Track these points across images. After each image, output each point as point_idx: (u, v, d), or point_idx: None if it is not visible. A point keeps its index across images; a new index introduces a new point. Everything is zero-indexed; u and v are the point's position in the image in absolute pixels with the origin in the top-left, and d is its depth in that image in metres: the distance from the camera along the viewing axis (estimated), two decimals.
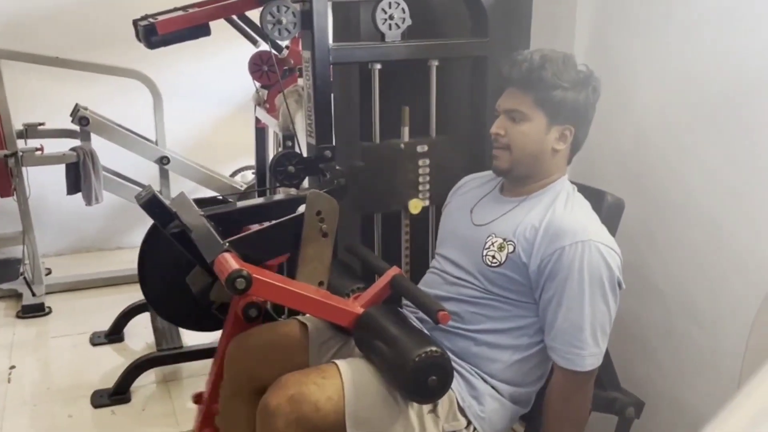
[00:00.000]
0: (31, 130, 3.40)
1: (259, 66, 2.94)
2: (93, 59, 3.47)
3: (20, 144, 3.29)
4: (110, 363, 2.94)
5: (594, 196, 1.65)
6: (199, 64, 3.88)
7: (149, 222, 4.36)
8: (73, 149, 3.27)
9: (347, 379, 1.47)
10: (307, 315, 1.72)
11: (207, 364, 2.73)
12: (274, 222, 1.62)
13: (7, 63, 3.29)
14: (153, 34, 2.53)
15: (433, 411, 1.52)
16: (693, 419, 1.81)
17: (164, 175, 3.59)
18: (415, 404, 1.50)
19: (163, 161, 3.50)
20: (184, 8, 2.63)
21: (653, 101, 1.86)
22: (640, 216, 1.84)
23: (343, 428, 1.44)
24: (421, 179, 2.05)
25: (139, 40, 2.73)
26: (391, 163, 2.02)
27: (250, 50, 3.15)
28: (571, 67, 1.57)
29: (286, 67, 2.92)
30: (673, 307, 1.85)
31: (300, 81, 2.82)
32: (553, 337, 1.51)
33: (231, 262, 1.45)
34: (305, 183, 2.08)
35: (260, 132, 3.14)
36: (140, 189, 3.50)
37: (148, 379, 2.76)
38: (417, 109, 2.08)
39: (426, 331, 1.57)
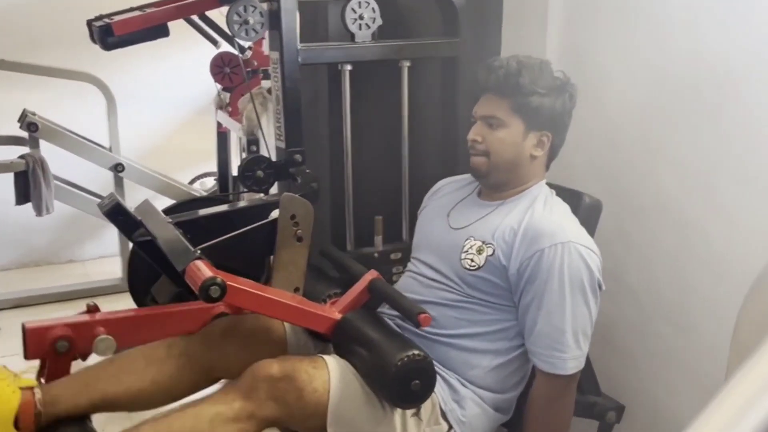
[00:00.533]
0: None
1: (221, 68, 2.91)
2: (41, 62, 3.38)
3: None
4: None
5: (571, 198, 1.67)
6: (155, 66, 3.81)
7: (102, 233, 4.29)
8: (21, 157, 3.17)
9: (334, 376, 1.45)
10: None
11: None
12: (246, 228, 1.60)
13: None
14: (109, 35, 2.49)
15: (417, 414, 1.51)
16: (673, 421, 1.84)
17: (119, 183, 3.50)
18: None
19: (117, 168, 3.41)
20: (141, 8, 2.60)
21: (625, 100, 1.89)
22: (614, 217, 1.87)
23: (320, 422, 1.43)
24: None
25: (94, 41, 2.69)
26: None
27: (209, 52, 3.12)
28: (547, 74, 1.60)
29: (249, 69, 2.90)
30: (648, 308, 1.88)
31: (264, 83, 2.80)
32: (533, 341, 1.52)
33: (204, 269, 1.42)
34: (274, 188, 2.06)
35: (222, 136, 3.10)
36: (93, 198, 3.47)
37: None
38: (388, 113, 2.08)
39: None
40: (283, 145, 1.98)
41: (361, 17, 1.98)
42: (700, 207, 1.71)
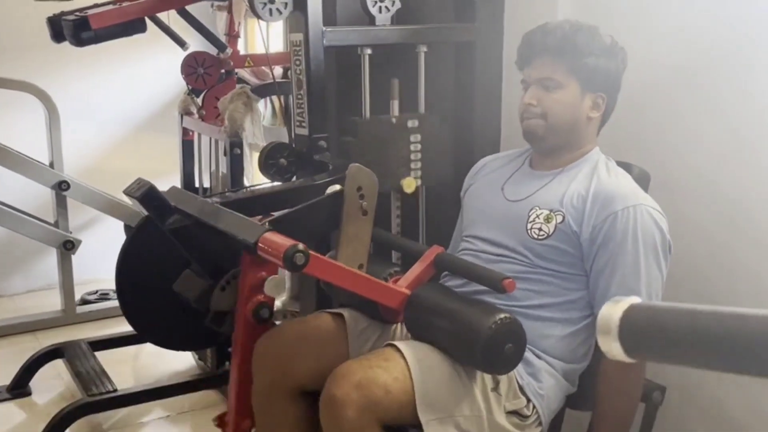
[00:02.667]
0: None
1: (194, 68, 2.89)
2: None
3: None
4: (18, 419, 2.74)
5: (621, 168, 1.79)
6: (101, 78, 3.74)
7: (29, 267, 4.14)
8: None
9: (411, 359, 1.49)
10: (338, 307, 1.74)
11: (146, 409, 2.66)
12: (312, 201, 1.62)
13: None
14: (84, 29, 2.46)
15: (496, 389, 1.56)
16: (711, 401, 1.96)
17: (61, 203, 3.38)
18: (479, 382, 1.54)
19: (61, 187, 3.30)
20: (114, 2, 2.58)
21: (641, 64, 2.02)
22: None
23: (412, 410, 1.46)
24: (413, 156, 2.11)
25: (57, 39, 2.64)
26: (383, 139, 2.06)
27: (162, 62, 3.11)
28: (598, 36, 1.70)
29: (224, 70, 2.91)
30: (686, 287, 1.99)
31: (238, 86, 2.82)
32: None
33: (281, 238, 1.43)
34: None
35: (188, 145, 3.07)
36: (33, 221, 3.33)
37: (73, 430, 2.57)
38: (405, 90, 2.15)
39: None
40: (305, 131, 2.02)
41: (381, 0, 2.07)
42: (737, 176, 1.84)
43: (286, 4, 1.95)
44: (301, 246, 1.41)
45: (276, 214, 1.70)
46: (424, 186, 2.14)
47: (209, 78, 2.90)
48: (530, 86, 1.72)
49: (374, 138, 2.02)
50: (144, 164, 3.76)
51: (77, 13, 2.50)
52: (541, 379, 1.62)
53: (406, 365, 1.48)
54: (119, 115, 3.91)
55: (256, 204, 1.73)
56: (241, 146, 2.65)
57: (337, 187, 1.64)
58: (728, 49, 1.82)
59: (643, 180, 1.80)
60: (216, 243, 1.78)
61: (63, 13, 2.62)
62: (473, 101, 2.19)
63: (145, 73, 3.73)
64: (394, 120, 2.06)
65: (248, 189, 1.91)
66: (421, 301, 1.57)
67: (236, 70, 2.95)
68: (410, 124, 2.08)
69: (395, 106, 2.08)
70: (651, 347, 0.71)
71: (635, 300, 0.73)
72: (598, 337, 0.74)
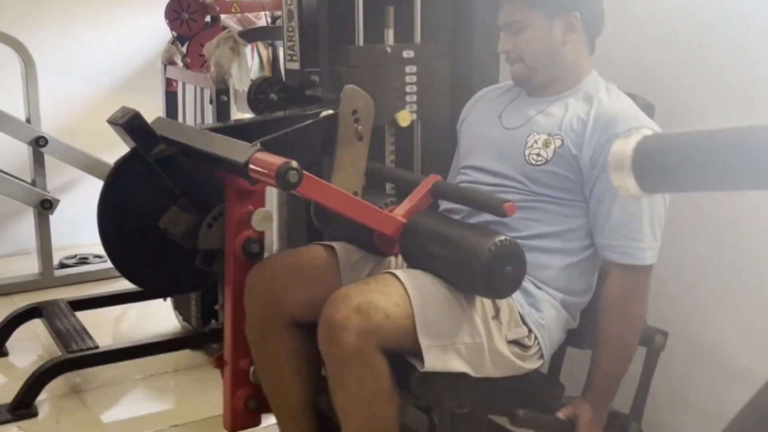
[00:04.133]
0: None
1: (178, 13, 2.88)
2: None
3: None
4: None
5: None
6: (80, 31, 3.72)
7: (8, 228, 4.14)
8: None
9: (410, 286, 1.49)
10: (328, 240, 1.74)
11: (125, 368, 2.66)
12: (305, 123, 1.62)
13: None
14: None
15: (497, 317, 1.57)
16: (712, 345, 1.98)
17: (39, 160, 3.37)
18: (480, 310, 1.55)
19: (39, 143, 3.29)
20: None
21: (652, 28, 2.03)
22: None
23: (412, 337, 1.46)
24: (408, 89, 2.07)
25: None
26: (377, 69, 2.02)
27: (144, 15, 3.10)
28: None
29: (210, 16, 2.90)
30: (688, 237, 2.00)
31: (224, 32, 2.81)
32: (608, 235, 1.62)
33: (273, 157, 1.43)
34: None
35: (171, 96, 3.06)
36: (9, 178, 3.32)
37: (52, 392, 2.57)
38: (400, 19, 2.13)
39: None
40: (296, 66, 2.01)
41: None
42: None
43: None
44: (294, 163, 1.41)
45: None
46: (419, 120, 2.11)
47: (194, 24, 2.89)
48: (501, 32, 1.73)
49: (368, 68, 1.99)
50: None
51: None
52: (542, 309, 1.63)
53: (405, 292, 1.49)
54: (100, 71, 3.90)
55: (244, 132, 1.72)
56: (227, 93, 2.65)
57: (331, 111, 1.64)
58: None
59: (647, 110, 1.81)
60: (203, 175, 1.79)
61: None
62: (471, 32, 2.16)
63: (128, 27, 3.72)
64: (388, 49, 2.03)
65: (236, 120, 1.89)
66: (418, 228, 1.58)
67: (221, 17, 2.93)
68: (405, 54, 2.05)
69: (390, 36, 2.05)
70: (664, 176, 0.71)
71: (646, 132, 0.73)
72: (611, 174, 0.74)
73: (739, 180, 0.67)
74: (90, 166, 3.41)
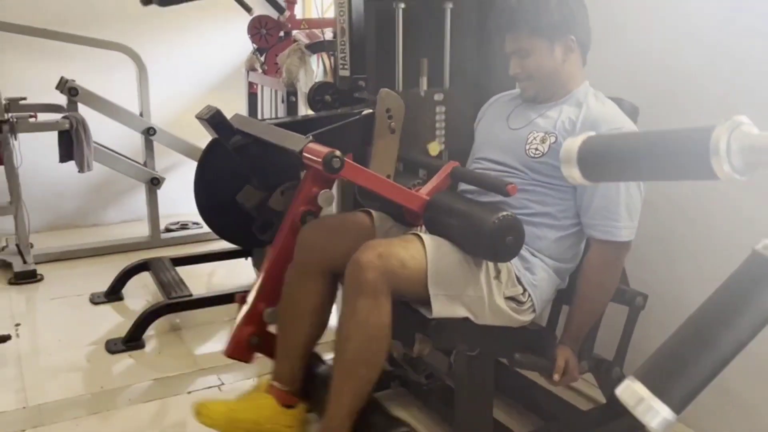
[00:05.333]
0: (13, 105, 3.26)
1: (258, 29, 2.98)
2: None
3: None
4: (114, 318, 2.88)
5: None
6: (180, 42, 3.85)
7: (123, 200, 4.31)
8: (65, 118, 3.17)
9: (428, 244, 1.57)
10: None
11: (215, 312, 2.78)
12: (348, 120, 1.69)
13: None
14: None
15: (497, 278, 1.63)
16: (690, 308, 1.99)
17: (149, 146, 3.53)
18: (484, 271, 1.61)
19: (149, 132, 3.44)
20: None
21: (646, 37, 2.03)
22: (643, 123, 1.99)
23: (423, 286, 1.53)
24: (437, 125, 2.12)
25: (145, 2, 2.73)
26: (413, 110, 2.06)
27: (233, 28, 3.20)
28: None
29: (282, 32, 2.98)
30: (668, 219, 2.01)
31: (294, 44, 2.89)
32: (591, 215, 1.66)
33: (322, 147, 1.51)
34: None
35: (252, 97, 3.17)
36: (127, 160, 3.48)
37: (157, 329, 2.71)
38: (432, 59, 2.17)
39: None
40: (347, 73, 2.08)
41: None
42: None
43: None
44: (338, 152, 1.49)
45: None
46: (447, 149, 2.14)
47: (270, 38, 2.97)
48: (511, 57, 1.76)
49: (406, 109, 1.99)
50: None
51: None
52: (535, 273, 1.69)
53: (423, 249, 1.56)
54: (198, 75, 4.03)
55: (304, 126, 1.80)
56: (296, 94, 2.73)
57: (370, 110, 1.70)
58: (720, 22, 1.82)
59: (632, 113, 1.82)
60: (270, 160, 1.87)
61: None
62: (490, 77, 2.17)
63: (217, 37, 3.83)
64: (422, 93, 2.08)
65: (298, 117, 1.96)
66: (438, 204, 1.64)
67: (293, 32, 3.01)
68: (436, 97, 2.09)
69: (424, 82, 2.10)
70: (602, 168, 0.76)
71: (590, 133, 0.78)
72: (562, 166, 0.79)
73: (658, 172, 0.72)
74: (189, 151, 3.55)
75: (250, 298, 1.84)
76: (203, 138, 3.49)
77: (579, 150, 0.75)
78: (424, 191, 1.69)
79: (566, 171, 0.77)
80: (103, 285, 3.06)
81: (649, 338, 2.10)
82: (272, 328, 1.82)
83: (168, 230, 3.81)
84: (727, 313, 0.62)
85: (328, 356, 1.79)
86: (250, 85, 3.14)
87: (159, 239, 3.64)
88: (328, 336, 1.79)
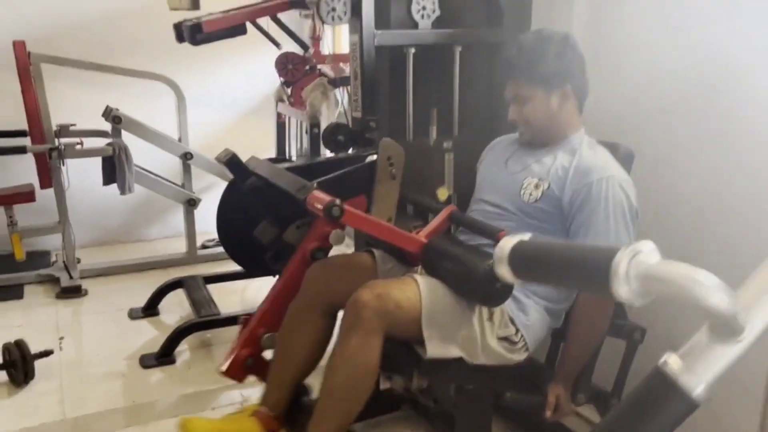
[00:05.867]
0: (63, 130, 3.43)
1: (284, 64, 3.07)
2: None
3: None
4: (150, 333, 2.97)
5: (608, 148, 1.80)
6: (215, 72, 3.95)
7: (165, 217, 4.43)
8: (108, 144, 3.33)
9: (423, 287, 1.59)
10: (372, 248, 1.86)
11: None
12: (352, 167, 1.76)
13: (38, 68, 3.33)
14: (198, 32, 2.66)
15: (490, 319, 1.65)
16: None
17: (187, 169, 3.65)
18: (477, 312, 1.62)
19: (186, 156, 3.57)
20: (224, 12, 2.77)
21: (646, 77, 2.05)
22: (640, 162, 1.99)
23: (417, 327, 1.56)
24: (446, 170, 2.16)
25: (180, 40, 2.86)
26: (423, 157, 2.13)
27: (265, 57, 3.30)
28: (545, 43, 1.70)
29: (308, 66, 3.07)
30: (665, 246, 2.02)
31: (318, 79, 2.98)
32: None
33: (324, 195, 1.58)
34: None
35: (281, 126, 3.26)
36: (166, 182, 3.62)
37: (187, 345, 2.79)
38: (442, 102, 2.21)
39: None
40: (359, 114, 2.14)
41: (423, 8, 2.16)
42: (715, 162, 1.83)
43: (345, 11, 2.08)
44: (338, 201, 1.55)
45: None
46: (456, 193, 2.19)
47: (296, 72, 3.06)
48: (510, 103, 1.78)
49: (416, 156, 2.07)
50: (248, 141, 3.96)
51: (194, 20, 2.70)
52: (529, 314, 1.70)
53: (419, 291, 1.59)
54: (230, 102, 4.11)
55: (313, 170, 1.88)
56: (318, 126, 2.81)
57: (374, 157, 1.76)
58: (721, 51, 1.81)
59: (627, 157, 1.82)
60: (282, 200, 1.94)
61: (184, 20, 2.83)
62: (495, 127, 2.19)
63: (249, 69, 3.92)
64: (432, 143, 2.13)
65: (312, 160, 2.04)
66: (435, 248, 1.68)
67: (318, 66, 3.10)
68: (446, 145, 2.14)
69: (433, 131, 2.14)
70: (528, 271, 0.79)
71: (524, 237, 0.80)
72: (495, 264, 0.80)
73: (572, 283, 0.75)
74: (223, 173, 3.64)
75: (252, 321, 1.90)
76: None
77: (510, 251, 0.77)
78: (423, 234, 1.74)
79: (498, 269, 0.79)
80: (142, 300, 3.16)
81: (648, 369, 2.10)
82: (267, 353, 1.86)
83: (204, 246, 3.89)
84: (627, 429, 0.61)
85: (316, 389, 1.81)
86: (279, 115, 3.24)
87: (195, 255, 3.74)
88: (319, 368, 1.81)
